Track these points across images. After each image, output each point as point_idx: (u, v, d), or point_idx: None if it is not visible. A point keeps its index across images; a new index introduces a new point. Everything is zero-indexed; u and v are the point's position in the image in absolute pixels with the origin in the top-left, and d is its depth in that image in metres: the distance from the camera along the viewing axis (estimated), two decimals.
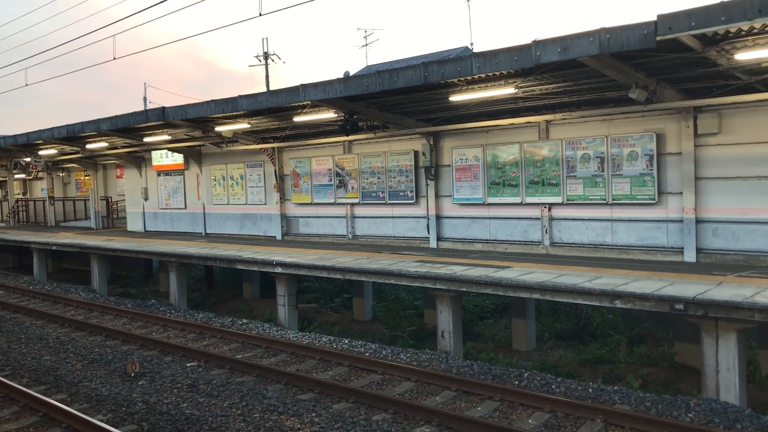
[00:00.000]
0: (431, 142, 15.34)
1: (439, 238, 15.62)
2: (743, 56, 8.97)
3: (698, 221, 11.78)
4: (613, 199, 12.71)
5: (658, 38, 8.32)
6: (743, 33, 8.36)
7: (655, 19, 8.34)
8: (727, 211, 11.47)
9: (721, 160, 11.48)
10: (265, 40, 48.22)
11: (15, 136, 23.61)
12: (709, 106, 11.36)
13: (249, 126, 17.03)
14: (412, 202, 16.03)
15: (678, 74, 10.74)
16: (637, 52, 9.15)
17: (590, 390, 9.18)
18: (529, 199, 13.90)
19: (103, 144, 22.33)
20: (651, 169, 12.19)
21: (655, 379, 10.85)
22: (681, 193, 11.92)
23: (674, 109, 11.69)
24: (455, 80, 11.33)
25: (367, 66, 37.26)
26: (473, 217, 15.03)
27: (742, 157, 11.26)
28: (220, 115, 15.97)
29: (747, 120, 11.17)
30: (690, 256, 11.83)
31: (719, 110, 11.34)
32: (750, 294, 8.54)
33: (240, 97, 14.73)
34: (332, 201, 17.86)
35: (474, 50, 29.67)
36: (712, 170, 11.60)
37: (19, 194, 36.17)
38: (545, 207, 13.70)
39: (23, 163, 29.96)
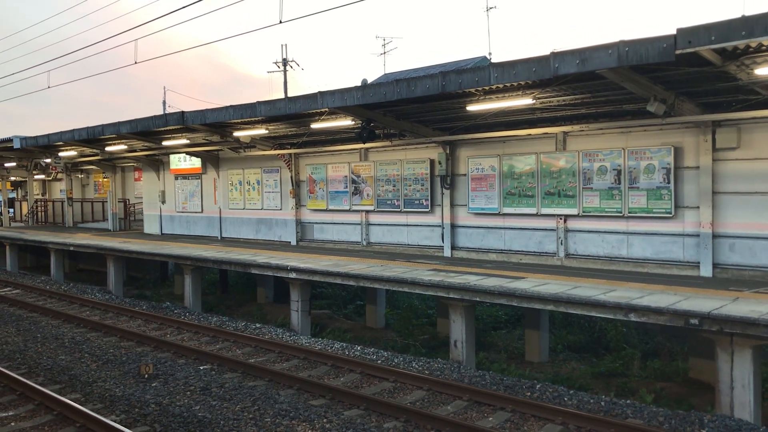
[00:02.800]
0: (447, 151, 15.36)
1: (453, 247, 15.62)
2: (763, 71, 8.92)
3: (715, 236, 11.70)
4: (629, 212, 12.65)
5: (678, 52, 8.29)
6: (764, 48, 8.32)
7: (674, 32, 8.32)
8: (745, 226, 11.39)
9: (739, 174, 11.41)
10: (284, 47, 48.63)
11: (36, 138, 23.89)
12: (728, 121, 11.31)
13: (267, 132, 17.15)
14: (427, 210, 16.05)
15: (697, 88, 10.70)
16: (655, 65, 9.14)
17: (603, 403, 9.14)
18: (544, 210, 13.87)
19: (123, 147, 22.56)
20: (668, 183, 12.13)
21: (669, 394, 10.77)
22: (698, 207, 11.85)
23: (692, 122, 11.65)
24: (473, 90, 11.35)
25: (385, 74, 37.37)
26: (488, 227, 15.01)
27: (760, 172, 11.18)
28: (239, 121, 16.09)
29: (766, 135, 11.09)
30: (706, 271, 11.75)
31: (738, 125, 11.28)
32: (766, 311, 8.47)
33: (259, 103, 14.84)
34: (347, 208, 17.92)
35: (492, 60, 29.70)
36: (730, 185, 11.52)
37: (38, 195, 36.60)
38: (561, 218, 13.67)
39: (43, 164, 30.33)
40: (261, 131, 16.98)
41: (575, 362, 13.00)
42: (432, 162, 15.86)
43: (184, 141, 19.88)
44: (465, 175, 15.22)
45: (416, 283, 12.02)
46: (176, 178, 23.98)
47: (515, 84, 10.76)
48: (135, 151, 23.45)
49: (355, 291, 18.70)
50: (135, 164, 27.56)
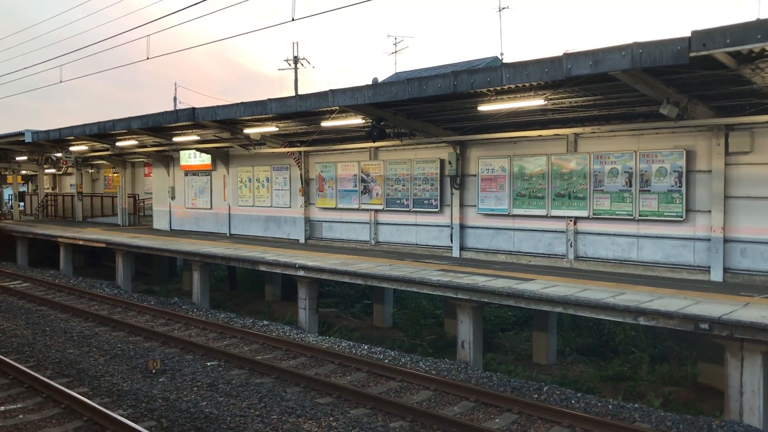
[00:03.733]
0: (458, 151, 15.33)
1: (462, 248, 15.58)
2: None
3: (726, 240, 11.62)
4: (640, 215, 12.58)
5: (692, 54, 8.23)
6: None
7: (689, 35, 8.26)
8: (757, 231, 11.30)
9: (751, 179, 11.32)
10: (295, 45, 48.58)
11: (47, 132, 24.03)
12: (741, 125, 11.22)
13: (277, 129, 17.16)
14: (436, 210, 16.02)
15: (710, 91, 10.62)
16: (669, 68, 9.07)
17: (610, 407, 9.09)
18: (554, 212, 13.81)
19: (133, 142, 22.62)
20: (680, 186, 12.06)
21: (677, 399, 10.71)
22: (709, 211, 11.76)
23: (705, 126, 11.56)
24: (484, 90, 11.32)
25: (396, 73, 37.34)
26: (497, 228, 14.97)
27: None
28: (249, 118, 16.10)
29: None
30: (717, 276, 11.67)
31: (752, 129, 11.19)
32: None
33: (269, 100, 14.85)
34: (356, 207, 17.91)
35: (503, 60, 29.60)
36: (742, 189, 11.44)
37: (48, 189, 36.79)
38: (571, 220, 13.61)
39: (54, 159, 30.47)
40: (271, 129, 16.99)
41: (583, 365, 12.94)
42: (442, 162, 15.83)
43: (195, 137, 19.93)
44: (475, 175, 15.18)
45: (424, 283, 12.00)
46: (186, 174, 24.04)
47: (527, 85, 10.72)
48: (145, 146, 23.53)
49: (363, 290, 18.70)
50: (145, 160, 27.66)
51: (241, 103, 15.64)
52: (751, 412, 8.40)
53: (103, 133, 20.94)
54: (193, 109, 17.04)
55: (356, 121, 14.62)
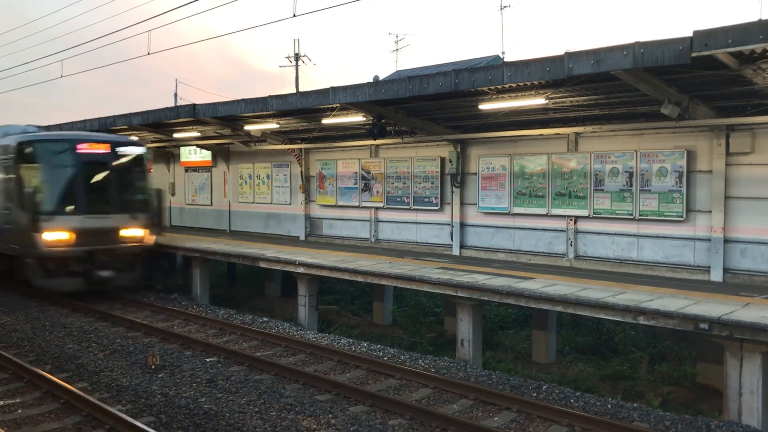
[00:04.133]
0: (458, 150, 15.32)
1: (462, 246, 15.58)
2: None
3: (726, 240, 11.62)
4: (640, 215, 12.58)
5: (694, 54, 8.23)
6: None
7: (690, 35, 8.26)
8: (757, 231, 11.30)
9: (752, 179, 11.31)
10: (296, 42, 48.37)
11: (48, 127, 23.98)
12: (742, 125, 11.21)
13: (278, 126, 17.16)
14: (437, 208, 16.02)
15: (712, 91, 10.62)
16: (671, 68, 9.06)
17: (609, 406, 9.09)
18: (555, 211, 13.81)
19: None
20: (680, 186, 12.05)
21: (676, 399, 10.72)
22: (710, 211, 11.76)
23: (706, 126, 11.56)
24: (485, 89, 11.32)
25: (397, 71, 37.33)
26: (498, 227, 14.96)
27: None
28: (250, 114, 16.11)
29: None
30: (717, 276, 11.67)
31: (752, 129, 11.18)
32: None
33: (270, 97, 14.85)
34: (357, 204, 17.91)
35: (505, 59, 29.60)
36: (743, 190, 11.44)
37: None
38: (571, 219, 13.61)
39: None
40: (272, 125, 16.99)
41: (582, 364, 12.94)
42: (443, 160, 15.82)
43: (195, 134, 19.93)
44: (475, 173, 15.18)
45: (424, 280, 12.00)
46: (186, 171, 24.04)
47: (528, 83, 10.72)
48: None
49: (363, 287, 18.68)
50: None
51: (242, 99, 15.64)
52: (750, 412, 8.40)
53: (103, 128, 20.88)
54: (194, 105, 17.04)
55: (357, 118, 14.62)
